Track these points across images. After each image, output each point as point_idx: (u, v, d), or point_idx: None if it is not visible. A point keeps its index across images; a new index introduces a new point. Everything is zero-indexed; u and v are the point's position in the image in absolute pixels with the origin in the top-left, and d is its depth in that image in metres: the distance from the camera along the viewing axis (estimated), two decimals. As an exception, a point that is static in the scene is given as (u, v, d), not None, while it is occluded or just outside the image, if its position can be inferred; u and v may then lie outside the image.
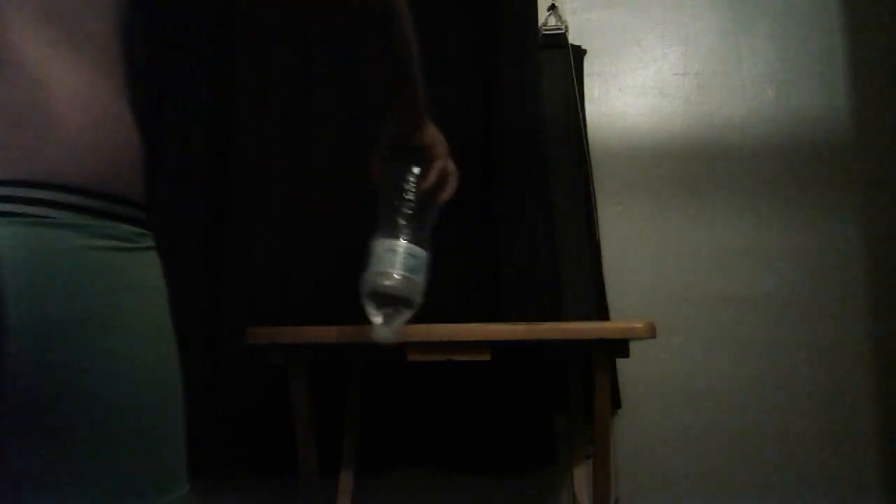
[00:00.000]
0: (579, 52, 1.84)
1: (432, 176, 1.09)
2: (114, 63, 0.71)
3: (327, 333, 1.25)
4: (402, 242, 1.06)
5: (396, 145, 1.10)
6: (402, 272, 1.05)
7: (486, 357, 1.23)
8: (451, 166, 1.12)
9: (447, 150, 1.12)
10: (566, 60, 1.81)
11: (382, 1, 0.92)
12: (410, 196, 1.08)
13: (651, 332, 1.21)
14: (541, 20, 1.81)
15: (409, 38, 0.98)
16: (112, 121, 0.69)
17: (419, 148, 1.09)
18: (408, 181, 1.08)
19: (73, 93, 0.67)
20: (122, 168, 0.69)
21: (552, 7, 1.85)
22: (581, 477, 1.54)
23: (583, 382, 1.56)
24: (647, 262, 1.81)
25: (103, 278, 0.64)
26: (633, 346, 1.29)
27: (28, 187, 0.62)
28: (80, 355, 0.62)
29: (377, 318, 1.06)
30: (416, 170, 1.08)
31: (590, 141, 1.80)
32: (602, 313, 1.72)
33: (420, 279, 1.07)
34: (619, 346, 1.25)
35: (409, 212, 1.08)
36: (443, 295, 1.63)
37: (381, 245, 1.07)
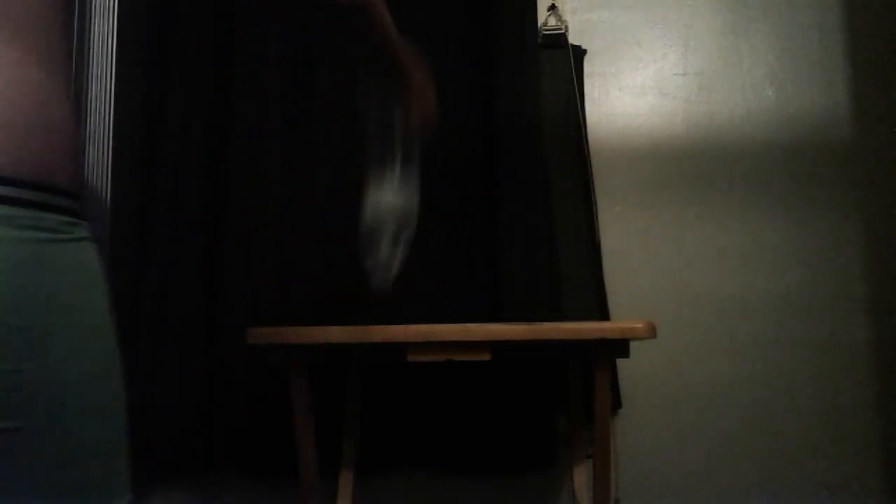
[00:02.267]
0: (579, 52, 1.84)
1: (411, 109, 1.06)
2: (42, 46, 0.65)
3: (327, 333, 1.25)
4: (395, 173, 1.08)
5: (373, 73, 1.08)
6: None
7: (487, 357, 1.23)
8: (429, 92, 1.08)
9: (422, 73, 1.08)
10: (566, 60, 1.81)
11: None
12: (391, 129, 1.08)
13: (651, 332, 1.21)
14: (541, 20, 1.81)
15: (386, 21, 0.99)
16: (40, 106, 0.64)
17: (396, 75, 1.06)
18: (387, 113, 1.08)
19: None
20: (52, 155, 0.64)
21: (552, 7, 1.85)
22: (581, 477, 1.54)
23: (583, 382, 1.56)
24: (646, 263, 1.81)
25: (35, 273, 0.60)
26: (633, 346, 1.29)
27: None
28: (14, 356, 0.58)
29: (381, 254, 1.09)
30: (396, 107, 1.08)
31: (590, 141, 1.80)
32: (602, 313, 1.72)
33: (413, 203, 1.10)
34: (620, 346, 1.25)
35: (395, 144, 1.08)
36: (443, 295, 1.64)
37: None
